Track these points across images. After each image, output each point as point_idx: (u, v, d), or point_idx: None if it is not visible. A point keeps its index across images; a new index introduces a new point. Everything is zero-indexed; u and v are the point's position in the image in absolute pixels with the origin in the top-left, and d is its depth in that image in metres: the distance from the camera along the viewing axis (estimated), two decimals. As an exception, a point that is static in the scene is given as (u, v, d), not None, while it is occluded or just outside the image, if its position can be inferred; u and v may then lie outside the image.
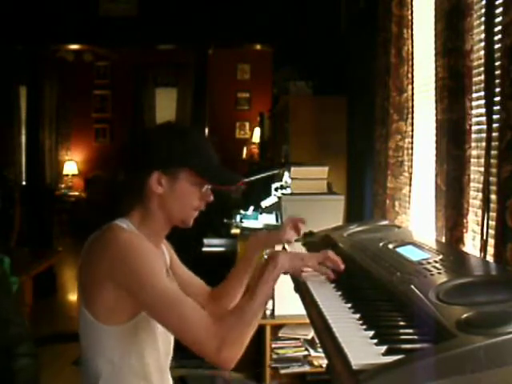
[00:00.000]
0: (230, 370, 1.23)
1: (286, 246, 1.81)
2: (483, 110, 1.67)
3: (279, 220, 2.99)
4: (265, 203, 3.59)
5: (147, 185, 1.40)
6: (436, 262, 1.25)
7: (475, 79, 1.75)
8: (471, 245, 1.75)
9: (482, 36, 1.71)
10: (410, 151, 2.47)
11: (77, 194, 8.72)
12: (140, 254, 1.28)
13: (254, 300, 1.26)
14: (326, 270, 1.37)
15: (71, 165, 8.92)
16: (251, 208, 3.91)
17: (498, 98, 1.53)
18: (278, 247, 1.77)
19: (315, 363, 2.57)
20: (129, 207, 1.43)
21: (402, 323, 1.04)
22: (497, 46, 1.57)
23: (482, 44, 1.70)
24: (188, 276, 1.67)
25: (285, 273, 1.35)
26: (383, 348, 0.90)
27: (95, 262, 1.32)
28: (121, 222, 1.39)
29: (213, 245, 3.86)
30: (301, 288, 1.40)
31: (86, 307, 1.34)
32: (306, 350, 2.62)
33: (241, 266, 1.70)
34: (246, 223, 3.70)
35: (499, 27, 1.52)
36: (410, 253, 1.39)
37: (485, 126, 1.66)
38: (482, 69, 1.69)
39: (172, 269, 1.60)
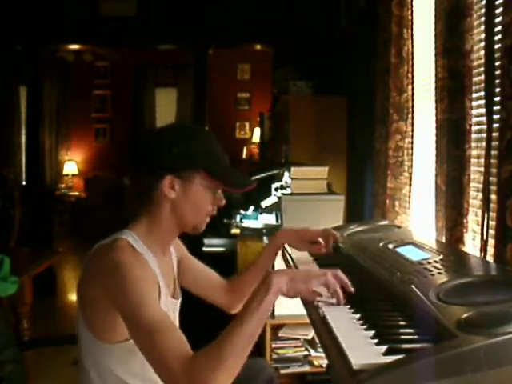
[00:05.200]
0: None
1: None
2: (483, 110, 1.67)
3: (279, 220, 2.99)
4: (265, 203, 3.59)
5: (158, 189, 1.32)
6: (436, 262, 1.25)
7: (475, 79, 1.75)
8: (471, 245, 1.75)
9: (482, 36, 1.71)
10: (410, 151, 2.47)
11: (77, 194, 8.72)
12: (137, 278, 1.20)
13: (236, 334, 1.08)
14: (338, 293, 1.18)
15: (71, 165, 8.92)
16: (251, 208, 3.91)
17: (498, 98, 1.53)
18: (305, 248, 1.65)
19: (315, 363, 2.57)
20: (135, 214, 1.37)
21: (402, 323, 1.04)
22: (497, 46, 1.57)
23: (482, 44, 1.70)
24: (202, 269, 1.64)
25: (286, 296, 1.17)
26: (383, 348, 0.90)
27: (96, 280, 1.27)
28: (126, 236, 1.31)
29: (213, 245, 3.85)
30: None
31: (84, 320, 1.32)
32: (306, 349, 2.61)
33: (262, 260, 1.63)
34: (246, 223, 3.70)
35: (499, 27, 1.52)
36: (410, 253, 1.39)
37: (485, 126, 1.66)
38: (482, 69, 1.69)
39: (182, 265, 1.59)
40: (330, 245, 1.61)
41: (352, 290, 1.19)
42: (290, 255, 1.75)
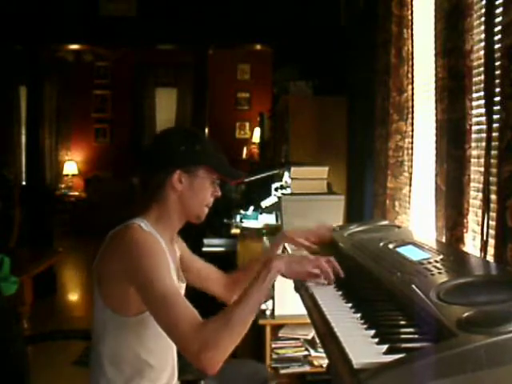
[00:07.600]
0: (213, 373, 1.23)
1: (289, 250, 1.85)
2: (483, 110, 1.68)
3: (279, 220, 2.99)
4: (265, 203, 3.59)
5: (168, 183, 1.51)
6: (436, 261, 1.25)
7: (475, 79, 1.76)
8: (471, 245, 1.75)
9: (482, 36, 1.72)
10: (410, 151, 2.48)
11: (77, 194, 8.72)
12: (151, 254, 1.37)
13: (243, 305, 1.28)
14: (327, 274, 1.38)
15: (71, 165, 8.92)
16: (251, 208, 3.92)
17: (498, 98, 1.53)
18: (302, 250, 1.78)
19: (315, 363, 2.56)
20: (145, 206, 1.54)
21: (402, 322, 1.04)
22: (497, 46, 1.57)
23: (482, 44, 1.71)
24: (203, 264, 1.80)
25: (285, 276, 1.38)
26: (384, 347, 0.90)
27: (112, 258, 1.43)
28: (139, 221, 1.48)
29: (213, 245, 3.86)
30: (301, 288, 1.40)
31: (101, 296, 1.46)
32: (306, 349, 2.61)
33: (261, 258, 1.78)
34: (246, 223, 3.70)
35: (499, 27, 1.52)
36: (410, 253, 1.39)
37: (485, 126, 1.66)
38: (482, 69, 1.69)
39: (185, 262, 1.71)
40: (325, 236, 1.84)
41: (342, 274, 1.38)
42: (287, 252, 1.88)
